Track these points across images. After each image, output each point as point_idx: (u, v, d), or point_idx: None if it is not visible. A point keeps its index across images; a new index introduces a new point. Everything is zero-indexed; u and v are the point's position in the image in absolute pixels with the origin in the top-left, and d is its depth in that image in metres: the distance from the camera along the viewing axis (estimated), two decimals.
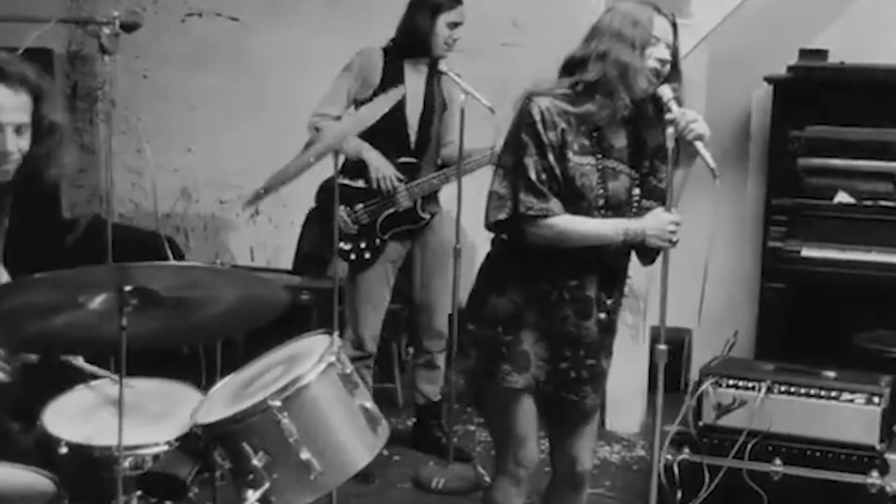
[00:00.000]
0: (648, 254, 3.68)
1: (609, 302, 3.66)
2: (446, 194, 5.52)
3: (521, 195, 3.47)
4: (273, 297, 3.12)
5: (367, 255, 5.40)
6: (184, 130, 7.41)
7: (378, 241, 5.41)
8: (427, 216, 5.48)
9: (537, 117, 3.45)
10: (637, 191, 3.64)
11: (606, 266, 3.61)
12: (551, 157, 3.46)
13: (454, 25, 5.34)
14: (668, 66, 3.51)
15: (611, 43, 3.46)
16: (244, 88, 7.21)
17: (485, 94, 5.14)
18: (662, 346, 3.64)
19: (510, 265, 3.64)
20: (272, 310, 3.14)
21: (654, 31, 3.48)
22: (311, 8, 7.05)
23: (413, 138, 5.42)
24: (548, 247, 3.51)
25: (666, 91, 3.48)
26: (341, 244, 5.32)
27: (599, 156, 3.54)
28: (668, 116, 3.47)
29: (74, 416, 3.38)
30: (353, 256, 5.40)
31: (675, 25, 3.55)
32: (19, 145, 3.35)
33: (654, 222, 3.50)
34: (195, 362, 4.77)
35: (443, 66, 5.26)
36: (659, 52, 3.48)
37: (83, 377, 3.59)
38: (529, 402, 3.63)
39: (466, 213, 5.04)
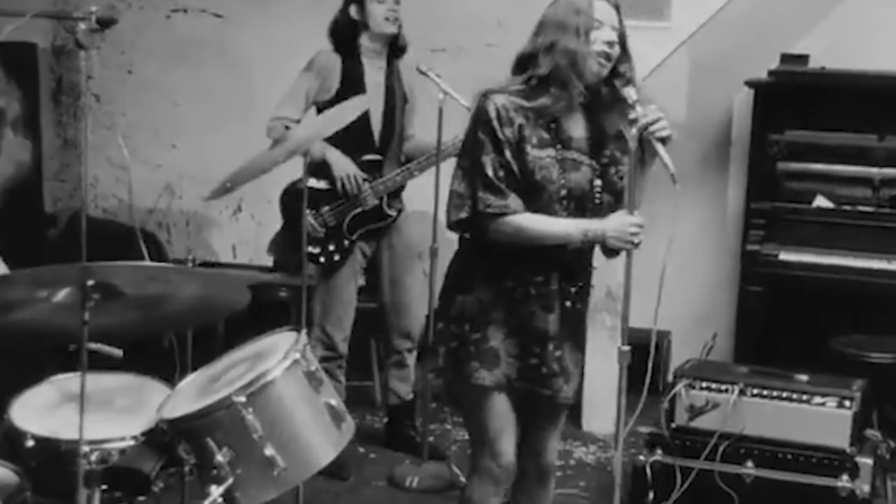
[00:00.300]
0: (609, 249, 3.69)
1: (572, 291, 3.66)
2: (419, 192, 5.51)
3: (479, 193, 3.48)
4: (233, 296, 3.13)
5: (337, 258, 5.40)
6: (168, 126, 7.42)
7: (347, 242, 5.40)
8: (394, 213, 5.48)
9: (493, 115, 3.45)
10: (598, 182, 3.64)
11: (570, 260, 3.62)
12: (508, 154, 3.46)
13: (387, 7, 5.31)
14: (616, 48, 3.51)
15: (556, 34, 3.48)
16: (229, 85, 7.22)
17: (468, 93, 5.13)
18: (625, 347, 3.62)
19: (475, 263, 3.65)
20: (232, 307, 3.16)
21: (595, 14, 3.48)
22: (297, 4, 7.05)
23: (376, 135, 5.41)
24: (510, 244, 3.52)
25: (631, 93, 3.49)
26: (310, 248, 5.31)
27: (559, 147, 3.55)
28: (631, 116, 3.48)
29: (41, 410, 3.40)
30: (322, 259, 5.40)
31: (617, 8, 3.55)
32: None
33: (615, 224, 3.50)
34: (170, 356, 4.76)
35: (423, 66, 5.24)
36: (605, 34, 3.48)
37: (50, 371, 3.60)
38: (502, 400, 3.63)
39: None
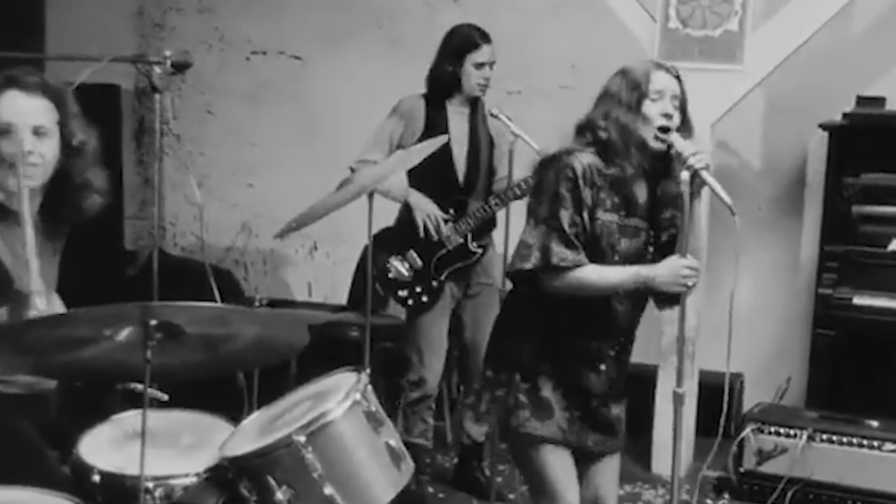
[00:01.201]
0: (664, 299, 3.70)
1: (617, 348, 3.70)
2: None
3: (554, 246, 3.50)
4: (293, 336, 3.17)
5: (425, 299, 5.43)
6: (245, 165, 7.54)
7: (435, 283, 5.43)
8: (479, 251, 5.48)
9: (579, 173, 3.50)
10: (651, 249, 3.68)
11: (617, 320, 3.66)
12: (585, 215, 3.52)
13: (481, 66, 5.34)
14: (675, 119, 3.54)
15: (610, 105, 3.57)
16: (305, 125, 7.34)
17: (542, 136, 5.15)
18: (679, 390, 3.60)
19: (525, 315, 3.71)
20: (293, 347, 3.20)
21: (653, 86, 3.53)
22: (373, 49, 7.15)
23: (461, 178, 5.44)
24: (562, 298, 3.57)
25: (672, 136, 3.53)
26: (398, 291, 5.39)
27: (623, 213, 3.60)
28: (673, 151, 3.50)
29: (109, 446, 3.45)
30: (410, 302, 5.44)
31: (678, 77, 3.59)
32: (39, 148, 3.48)
33: (666, 268, 3.52)
34: (239, 394, 4.83)
35: (494, 109, 5.27)
36: (662, 107, 3.52)
37: (120, 407, 3.66)
38: (559, 450, 3.66)
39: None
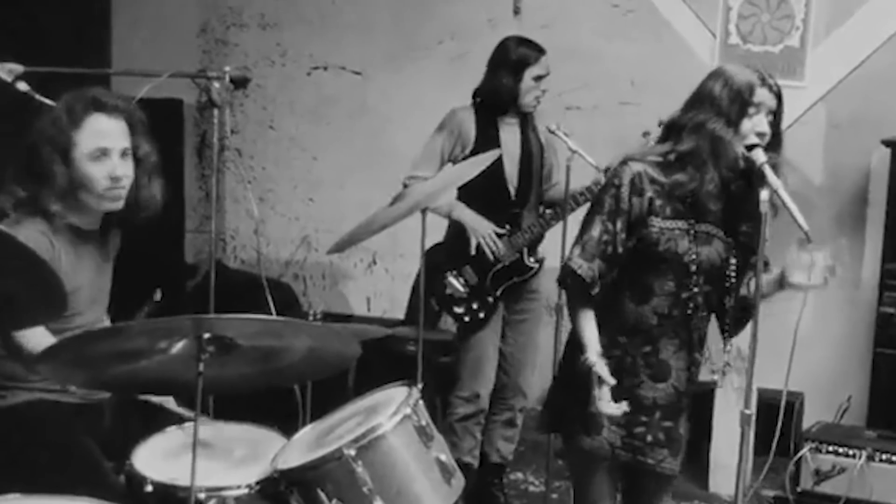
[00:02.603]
0: (731, 327, 3.67)
1: (684, 362, 3.65)
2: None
3: (574, 245, 3.56)
4: (344, 350, 3.19)
5: (481, 315, 5.40)
6: (306, 180, 7.60)
7: (491, 299, 5.40)
8: (535, 265, 5.46)
9: (626, 181, 3.49)
10: (734, 260, 3.62)
11: (683, 330, 3.61)
12: (619, 224, 3.50)
13: (540, 78, 5.30)
14: (767, 138, 3.45)
15: (708, 114, 3.44)
16: (365, 140, 7.37)
17: (600, 152, 5.15)
18: (748, 411, 3.57)
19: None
20: (344, 361, 3.23)
21: (755, 99, 3.44)
22: (434, 64, 7.18)
23: (513, 192, 5.38)
24: (624, 309, 3.58)
25: (760, 155, 3.44)
26: (454, 308, 5.38)
27: (692, 220, 3.54)
28: (764, 180, 3.43)
29: (163, 457, 3.48)
30: (467, 319, 5.40)
31: (779, 96, 3.49)
32: (126, 171, 3.59)
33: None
34: (295, 408, 4.85)
35: (552, 125, 5.25)
36: (759, 124, 3.43)
37: (175, 419, 3.70)
38: (601, 468, 3.65)
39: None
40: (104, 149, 3.57)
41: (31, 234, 3.51)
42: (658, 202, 3.50)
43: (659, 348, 3.59)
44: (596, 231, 3.51)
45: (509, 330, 5.56)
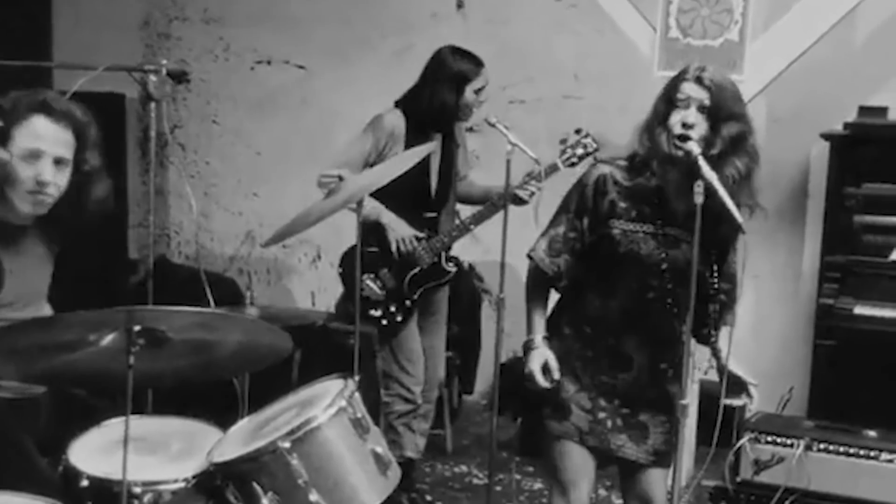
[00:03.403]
0: (701, 334, 3.74)
1: (648, 354, 3.73)
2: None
3: (540, 237, 3.76)
4: (276, 344, 3.19)
5: (399, 318, 5.39)
6: (250, 175, 7.57)
7: (408, 302, 5.39)
8: (453, 269, 5.46)
9: (591, 181, 3.67)
10: (716, 267, 3.68)
11: (646, 326, 3.69)
12: (585, 222, 3.67)
13: (480, 90, 5.29)
14: (698, 130, 3.50)
15: (648, 118, 3.62)
16: (310, 135, 7.36)
17: (544, 145, 5.16)
18: (683, 401, 3.61)
19: (559, 314, 3.84)
20: (277, 354, 3.22)
21: (679, 95, 3.53)
22: (378, 58, 7.18)
23: (433, 194, 5.40)
24: (591, 297, 3.72)
25: (693, 147, 3.49)
26: (371, 311, 5.35)
27: (659, 222, 3.63)
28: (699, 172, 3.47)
29: (98, 452, 3.46)
30: (384, 322, 5.39)
31: (710, 88, 3.52)
32: (57, 179, 3.55)
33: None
34: (234, 400, 4.85)
35: (492, 118, 5.21)
36: (684, 115, 3.51)
37: (111, 413, 3.68)
38: (573, 449, 3.75)
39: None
40: (36, 151, 3.53)
41: None
42: (622, 205, 3.63)
43: (623, 341, 3.72)
44: (562, 228, 3.71)
45: (424, 326, 5.56)
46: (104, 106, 6.88)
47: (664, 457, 3.82)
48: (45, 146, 3.53)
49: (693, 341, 3.72)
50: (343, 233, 5.39)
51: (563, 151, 5.15)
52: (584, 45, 6.74)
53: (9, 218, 3.63)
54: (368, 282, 5.34)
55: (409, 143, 5.22)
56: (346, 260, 5.49)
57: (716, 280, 3.68)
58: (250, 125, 7.56)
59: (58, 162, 3.57)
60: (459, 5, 6.99)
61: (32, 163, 3.54)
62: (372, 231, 5.32)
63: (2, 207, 3.61)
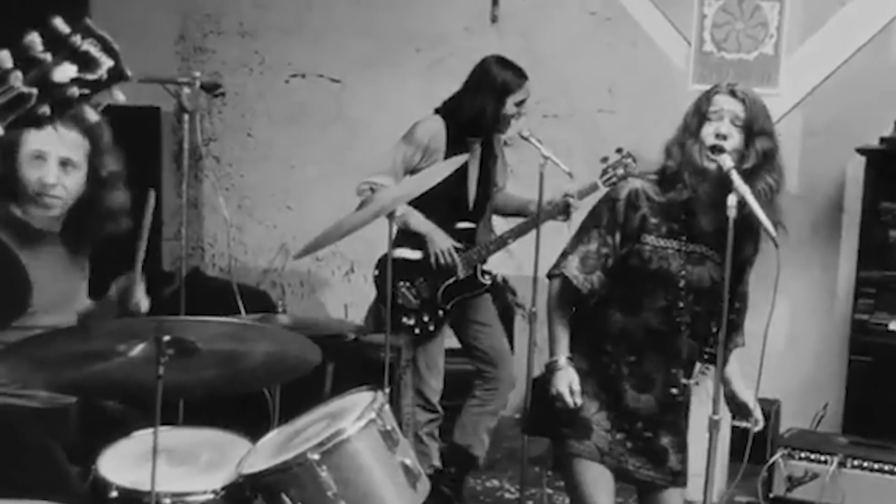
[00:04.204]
0: (711, 355, 3.74)
1: (669, 376, 3.68)
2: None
3: (569, 254, 3.66)
4: (304, 355, 3.19)
5: (431, 328, 5.38)
6: (283, 187, 7.59)
7: (441, 312, 5.38)
8: (488, 281, 5.44)
9: (622, 196, 3.61)
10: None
11: (669, 346, 3.64)
12: (617, 238, 3.60)
13: (521, 103, 5.26)
14: (731, 141, 3.49)
15: (679, 130, 3.59)
16: (343, 147, 7.37)
17: (578, 159, 5.15)
18: (715, 416, 3.59)
19: (578, 331, 3.75)
20: (305, 365, 3.22)
21: (711, 108, 3.52)
22: (411, 72, 7.18)
23: (471, 204, 5.38)
24: (609, 317, 3.66)
25: (726, 160, 3.47)
26: (404, 319, 5.33)
27: (684, 238, 3.60)
28: (731, 185, 3.45)
29: (128, 462, 3.46)
30: (417, 331, 5.37)
31: (744, 101, 3.52)
32: (64, 181, 3.54)
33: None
34: (266, 412, 4.85)
35: (525, 131, 5.19)
36: (718, 127, 3.49)
37: (141, 424, 3.68)
38: (595, 469, 3.68)
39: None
40: (41, 152, 3.54)
41: None
42: (653, 220, 3.59)
43: (644, 360, 3.66)
44: (594, 244, 3.62)
45: (477, 329, 5.52)
46: (140, 119, 6.99)
47: (681, 476, 3.80)
48: (49, 147, 3.52)
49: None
50: (376, 245, 5.40)
51: (605, 171, 5.13)
52: (618, 59, 6.72)
53: (31, 223, 3.64)
54: (404, 290, 5.33)
55: (449, 151, 5.21)
56: (383, 265, 5.48)
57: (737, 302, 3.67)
58: (284, 138, 7.58)
59: (64, 163, 3.56)
60: (494, 19, 6.99)
61: (38, 165, 3.55)
62: (411, 239, 5.31)
63: (22, 212, 3.62)
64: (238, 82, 7.56)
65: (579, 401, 3.63)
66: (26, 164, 3.55)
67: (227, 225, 7.15)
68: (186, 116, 4.34)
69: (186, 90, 4.27)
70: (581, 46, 6.82)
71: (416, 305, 5.36)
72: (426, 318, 5.37)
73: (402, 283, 5.32)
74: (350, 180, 7.03)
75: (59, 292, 3.70)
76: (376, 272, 5.46)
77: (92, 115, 2.03)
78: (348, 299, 7.48)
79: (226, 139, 7.69)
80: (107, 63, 1.92)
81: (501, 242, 5.38)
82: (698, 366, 3.71)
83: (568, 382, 3.64)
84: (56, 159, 3.55)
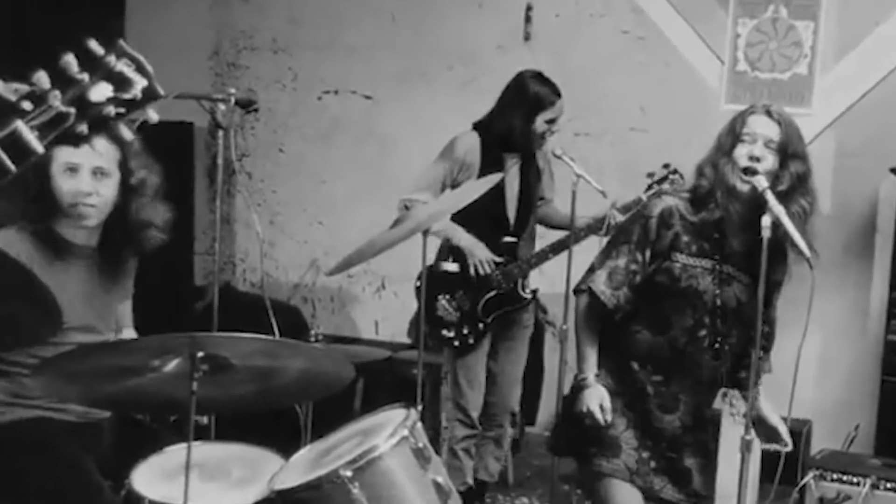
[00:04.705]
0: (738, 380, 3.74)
1: (696, 396, 3.67)
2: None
3: (597, 269, 3.66)
4: (338, 372, 3.19)
5: (471, 341, 5.38)
6: (315, 203, 7.61)
7: (481, 325, 5.38)
8: (529, 295, 5.44)
9: (656, 213, 3.60)
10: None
11: (696, 366, 3.64)
12: (647, 254, 3.59)
13: (552, 122, 5.25)
14: (765, 163, 3.49)
15: (712, 150, 3.59)
16: (375, 163, 7.38)
17: (610, 177, 5.14)
18: (748, 437, 3.58)
19: (606, 350, 3.74)
20: (338, 383, 3.22)
21: (746, 129, 3.52)
22: (444, 89, 7.19)
23: (511, 218, 5.37)
24: (641, 340, 3.64)
25: (761, 181, 3.47)
26: (444, 331, 5.34)
27: (717, 258, 3.59)
28: (766, 205, 3.44)
29: (161, 477, 3.47)
30: (456, 343, 5.38)
31: (780, 123, 3.53)
32: (98, 189, 3.57)
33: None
34: (297, 428, 4.86)
35: (558, 149, 5.19)
36: (751, 149, 3.49)
37: (174, 439, 3.69)
38: (624, 489, 3.67)
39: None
40: (73, 164, 3.56)
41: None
42: (684, 238, 3.58)
43: (670, 380, 3.65)
44: (623, 260, 3.61)
45: (501, 351, 5.53)
46: (173, 134, 7.02)
47: (705, 500, 3.79)
48: (81, 159, 3.55)
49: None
50: (408, 262, 5.43)
51: (650, 186, 5.11)
52: (651, 78, 6.71)
53: (68, 236, 3.66)
54: (444, 302, 5.34)
55: (484, 165, 5.24)
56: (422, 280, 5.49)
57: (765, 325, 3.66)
58: (316, 154, 7.60)
59: (96, 172, 3.59)
60: (526, 37, 6.99)
61: (71, 176, 3.57)
62: (451, 252, 5.35)
63: (58, 227, 3.64)
64: (271, 98, 7.59)
65: (609, 418, 3.61)
66: (59, 176, 3.58)
67: (260, 241, 7.18)
68: (221, 132, 4.34)
69: (221, 106, 4.28)
70: (613, 65, 6.81)
71: (455, 318, 5.36)
72: (466, 331, 5.37)
73: (442, 296, 5.33)
74: (381, 197, 7.06)
75: (93, 308, 3.72)
76: (418, 283, 5.47)
77: (127, 134, 2.06)
78: (379, 315, 7.49)
79: (258, 155, 7.72)
80: (140, 83, 1.96)
81: (542, 257, 5.37)
82: (722, 390, 3.68)
83: (598, 399, 3.62)
84: (89, 169, 3.57)
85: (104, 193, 3.62)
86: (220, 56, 7.84)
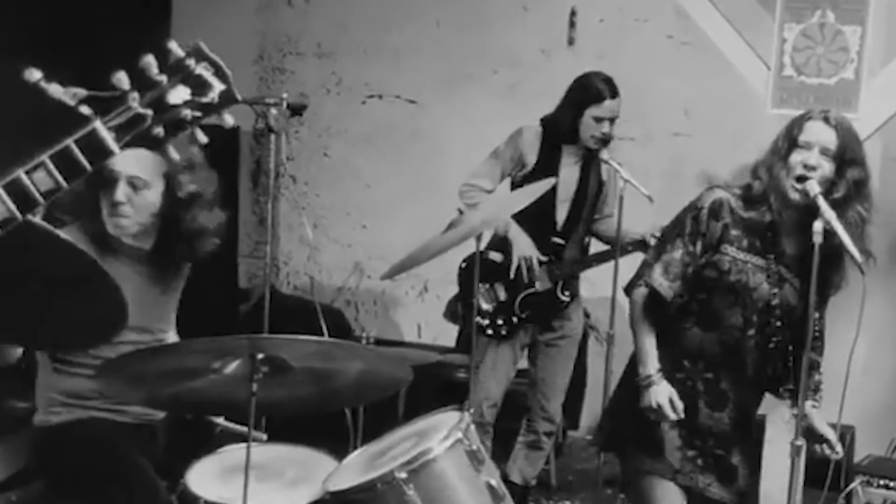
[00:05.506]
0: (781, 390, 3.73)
1: (744, 394, 3.67)
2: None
3: (652, 264, 3.64)
4: (397, 374, 3.22)
5: (504, 332, 5.40)
6: (359, 207, 7.63)
7: (515, 318, 5.40)
8: (567, 299, 5.45)
9: (707, 204, 3.59)
10: (817, 315, 3.64)
11: (746, 364, 3.63)
12: (699, 247, 3.58)
13: (600, 120, 5.23)
14: (820, 171, 3.48)
15: (767, 153, 3.58)
16: (419, 167, 7.40)
17: (655, 182, 5.15)
18: (798, 442, 3.58)
19: (657, 347, 3.72)
20: (395, 384, 3.25)
21: (802, 136, 3.50)
22: (488, 93, 7.20)
23: (560, 221, 5.38)
24: (692, 336, 3.62)
25: (813, 187, 3.47)
26: (479, 319, 5.33)
27: (771, 257, 3.60)
28: (818, 211, 3.45)
29: (216, 478, 3.52)
30: (489, 332, 5.40)
31: (837, 129, 3.51)
32: (133, 200, 3.56)
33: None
34: (346, 431, 4.89)
35: (604, 154, 5.21)
36: (807, 157, 3.48)
37: (230, 439, 3.73)
38: (667, 488, 3.67)
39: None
40: (110, 173, 3.54)
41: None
42: (734, 232, 3.58)
43: (720, 377, 3.64)
44: (678, 252, 3.60)
45: (541, 355, 5.55)
46: (217, 138, 7.06)
47: (748, 498, 3.79)
48: (118, 167, 3.53)
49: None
50: (452, 266, 5.46)
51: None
52: (696, 82, 6.70)
53: (124, 238, 3.69)
54: (482, 290, 5.37)
55: (541, 159, 5.31)
56: (467, 265, 5.52)
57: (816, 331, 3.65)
58: (360, 158, 7.63)
59: (132, 183, 3.57)
60: (570, 41, 7.01)
61: (110, 185, 3.59)
62: (499, 242, 5.39)
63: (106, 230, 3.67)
64: (315, 102, 7.61)
65: (682, 413, 3.60)
66: (98, 184, 3.59)
67: (308, 244, 7.21)
68: (273, 136, 4.37)
69: (273, 110, 4.31)
70: (658, 69, 6.81)
71: (491, 308, 5.40)
72: (500, 322, 5.40)
73: (482, 284, 5.35)
74: (424, 200, 7.10)
75: (147, 309, 3.74)
76: (463, 265, 5.50)
77: (202, 138, 2.07)
78: (422, 319, 7.51)
79: (302, 159, 7.75)
80: (218, 87, 1.96)
81: (584, 265, 5.41)
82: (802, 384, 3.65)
83: (668, 395, 3.59)
84: (125, 178, 3.58)
85: (138, 204, 3.60)
86: (265, 60, 7.87)
